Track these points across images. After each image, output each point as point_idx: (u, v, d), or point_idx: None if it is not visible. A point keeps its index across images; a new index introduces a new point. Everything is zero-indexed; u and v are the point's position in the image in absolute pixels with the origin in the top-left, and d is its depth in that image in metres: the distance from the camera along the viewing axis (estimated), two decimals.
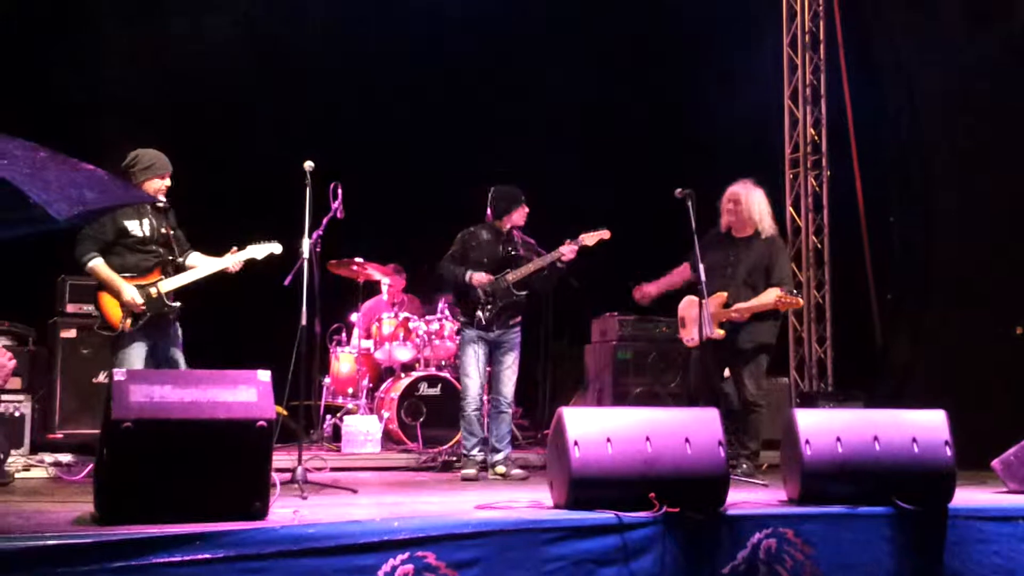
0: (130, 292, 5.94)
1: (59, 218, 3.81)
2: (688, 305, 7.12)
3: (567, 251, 6.90)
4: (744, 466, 6.71)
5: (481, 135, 10.27)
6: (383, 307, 9.36)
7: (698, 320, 6.81)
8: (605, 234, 6.95)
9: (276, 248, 6.41)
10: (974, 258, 8.04)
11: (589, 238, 6.93)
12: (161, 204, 6.20)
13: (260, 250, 6.34)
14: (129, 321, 5.95)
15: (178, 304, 6.17)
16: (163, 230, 6.20)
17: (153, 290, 6.05)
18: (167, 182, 6.20)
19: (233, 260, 6.26)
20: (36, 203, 3.73)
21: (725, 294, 6.90)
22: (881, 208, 9.53)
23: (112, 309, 5.96)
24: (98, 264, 5.95)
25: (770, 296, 6.76)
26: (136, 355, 5.97)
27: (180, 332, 6.25)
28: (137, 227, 6.07)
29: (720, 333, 6.82)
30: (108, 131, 8.65)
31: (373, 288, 9.59)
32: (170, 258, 6.22)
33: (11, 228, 4.16)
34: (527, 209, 7.11)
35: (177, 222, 6.40)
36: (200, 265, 6.26)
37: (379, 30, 10.10)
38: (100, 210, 4.62)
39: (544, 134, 10.58)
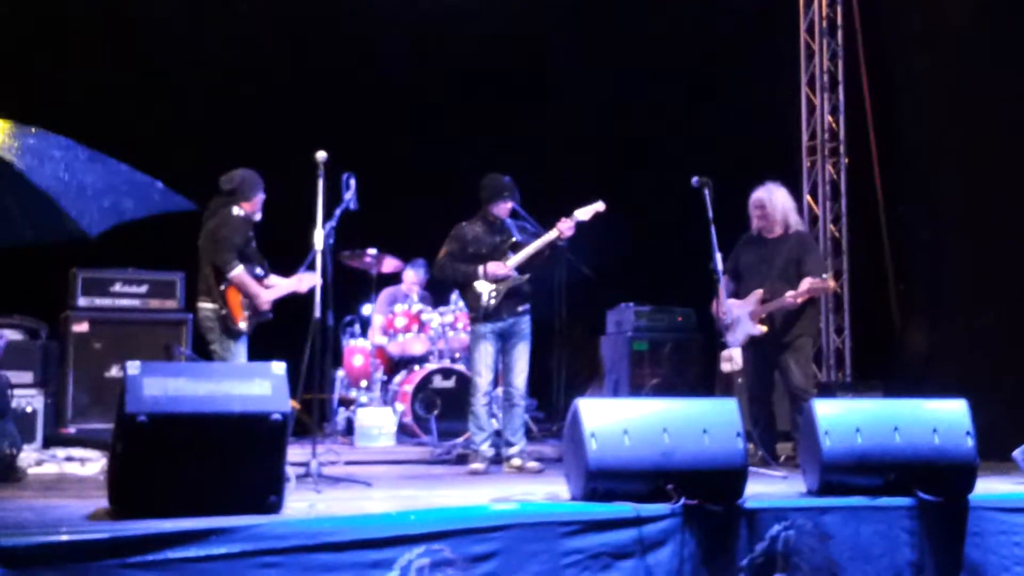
0: (266, 297, 6.58)
1: (91, 233, 3.78)
2: (729, 309, 7.06)
3: (564, 228, 6.85)
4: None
5: (497, 127, 10.21)
6: (400, 296, 9.34)
7: (742, 321, 6.93)
8: (600, 206, 6.91)
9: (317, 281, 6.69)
10: (988, 247, 7.98)
11: (584, 212, 6.88)
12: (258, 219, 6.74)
13: (311, 279, 6.57)
14: (244, 321, 6.50)
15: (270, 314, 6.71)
16: (254, 244, 6.73)
17: None
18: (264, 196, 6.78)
19: (306, 284, 6.58)
20: (73, 217, 3.70)
21: (761, 291, 6.98)
22: (898, 197, 9.45)
23: (237, 307, 6.50)
24: (241, 271, 6.46)
25: (804, 285, 6.80)
26: (244, 348, 6.54)
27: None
28: (252, 239, 6.67)
29: (762, 329, 6.91)
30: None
31: (385, 280, 9.55)
32: (264, 271, 6.73)
33: (40, 235, 4.15)
34: (510, 204, 6.99)
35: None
36: (278, 285, 6.73)
37: (397, 17, 10.07)
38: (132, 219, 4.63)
39: (561, 124, 10.52)
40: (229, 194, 6.63)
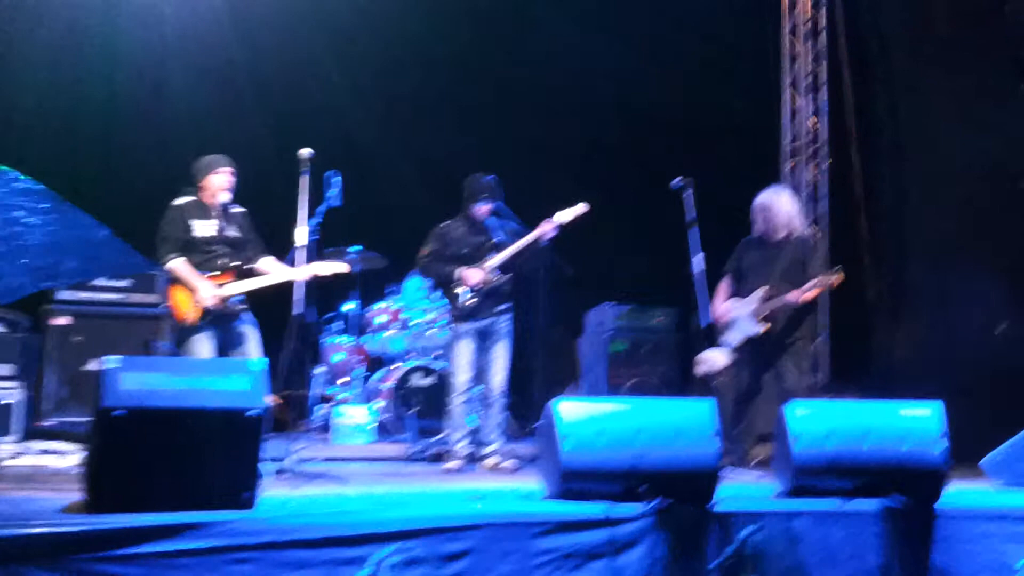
0: (206, 290, 6.23)
1: None
2: (729, 308, 7.08)
3: (546, 230, 6.85)
4: None
5: (482, 126, 10.23)
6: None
7: (741, 320, 6.94)
8: (582, 208, 6.88)
9: (343, 268, 6.70)
10: (958, 254, 8.07)
11: (566, 214, 6.87)
12: (231, 206, 6.49)
13: (326, 267, 6.53)
14: (195, 316, 6.23)
15: (244, 306, 6.42)
16: (230, 233, 6.46)
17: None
18: (228, 177, 6.44)
19: (304, 272, 6.42)
20: None
21: (766, 287, 6.96)
22: (878, 199, 9.52)
23: (181, 304, 6.27)
24: (178, 263, 6.28)
25: (812, 283, 6.82)
26: (202, 346, 6.24)
27: (251, 332, 6.44)
28: (202, 227, 6.35)
29: (763, 328, 6.91)
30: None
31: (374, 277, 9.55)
32: (238, 261, 6.44)
33: None
34: (490, 205, 7.01)
35: (252, 225, 6.64)
36: (272, 272, 6.49)
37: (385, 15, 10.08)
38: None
39: (544, 126, 10.55)
40: (190, 184, 6.51)
